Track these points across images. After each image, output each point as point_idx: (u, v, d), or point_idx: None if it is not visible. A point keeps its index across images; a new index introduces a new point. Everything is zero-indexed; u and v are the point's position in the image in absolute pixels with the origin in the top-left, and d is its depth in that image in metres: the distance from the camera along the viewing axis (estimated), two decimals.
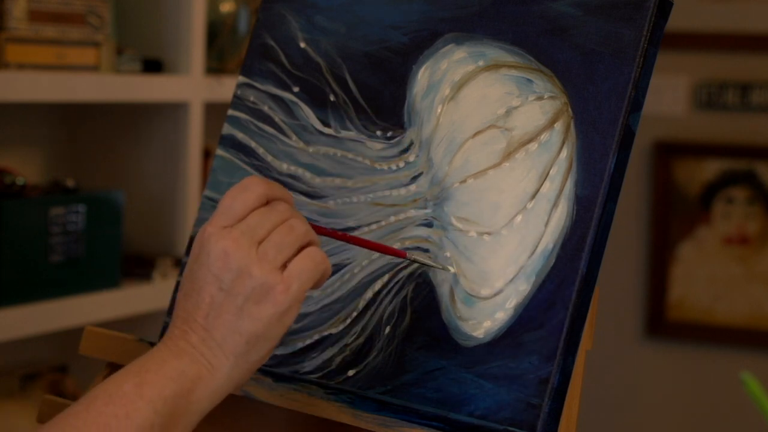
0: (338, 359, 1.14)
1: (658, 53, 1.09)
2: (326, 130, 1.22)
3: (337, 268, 1.18)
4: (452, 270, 1.11)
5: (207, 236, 1.02)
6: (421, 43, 1.18)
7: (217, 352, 1.01)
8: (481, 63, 1.15)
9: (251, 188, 1.03)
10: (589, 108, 1.09)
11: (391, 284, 1.14)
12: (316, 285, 1.03)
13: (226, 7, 2.25)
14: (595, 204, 1.07)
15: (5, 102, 1.92)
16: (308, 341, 1.17)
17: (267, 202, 1.03)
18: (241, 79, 1.27)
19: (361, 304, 1.15)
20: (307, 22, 1.25)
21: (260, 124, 1.25)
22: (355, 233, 1.17)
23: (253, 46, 1.27)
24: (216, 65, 2.23)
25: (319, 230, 1.08)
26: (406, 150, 1.18)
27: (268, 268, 1.01)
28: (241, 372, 1.02)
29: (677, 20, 3.06)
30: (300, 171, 1.22)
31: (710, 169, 3.24)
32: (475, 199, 1.12)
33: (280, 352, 1.17)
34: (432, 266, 1.12)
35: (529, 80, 1.13)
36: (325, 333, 1.16)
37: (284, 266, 1.02)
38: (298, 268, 1.02)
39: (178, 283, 1.13)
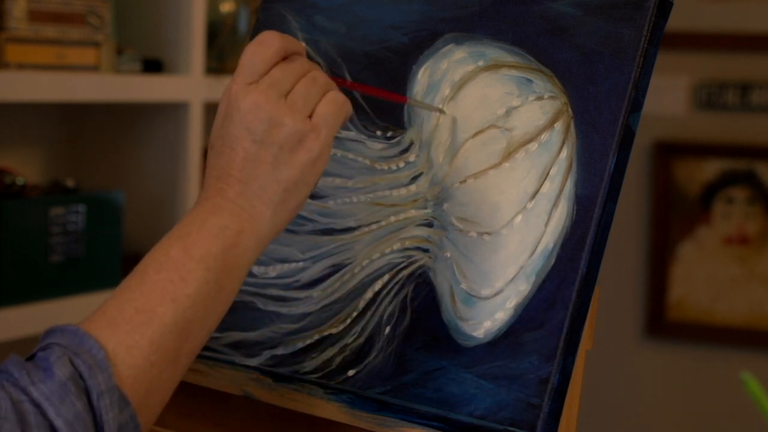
0: (338, 359, 1.14)
1: (658, 53, 1.09)
2: None
3: (337, 268, 1.18)
4: (445, 113, 1.15)
5: (234, 94, 1.05)
6: (421, 43, 1.18)
7: (255, 203, 1.03)
8: (481, 63, 1.15)
9: (269, 42, 1.05)
10: (589, 108, 1.09)
11: (391, 284, 1.14)
12: (341, 125, 1.07)
13: (226, 7, 2.25)
14: (595, 204, 1.07)
15: (5, 102, 1.92)
16: (308, 341, 1.17)
17: (285, 56, 1.06)
18: None
19: (361, 304, 1.15)
20: (307, 22, 1.25)
21: None
22: (355, 233, 1.18)
23: None
24: (216, 65, 2.23)
25: (333, 79, 1.11)
26: (406, 150, 1.18)
27: (298, 116, 1.04)
28: (281, 219, 1.05)
29: (677, 20, 3.07)
30: None
31: (710, 169, 3.24)
32: (475, 199, 1.12)
33: (280, 352, 1.17)
34: (429, 108, 1.15)
35: (529, 80, 1.13)
36: (325, 333, 1.16)
37: (310, 115, 1.05)
38: (325, 112, 1.05)
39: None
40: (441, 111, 1.15)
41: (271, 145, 1.03)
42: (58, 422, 0.89)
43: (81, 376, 0.92)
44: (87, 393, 0.92)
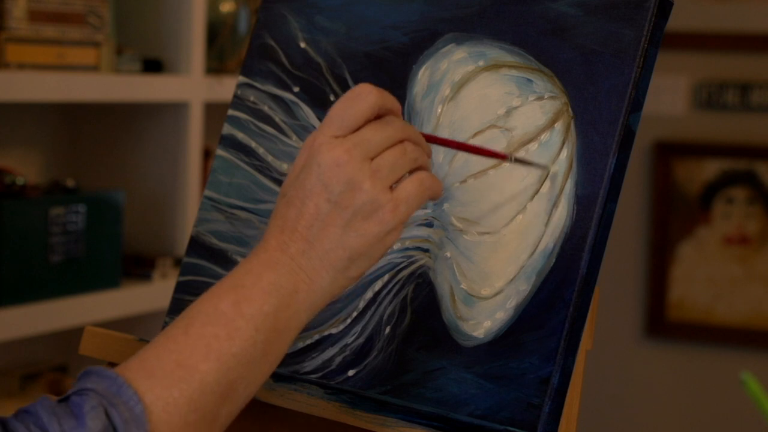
0: (338, 359, 1.14)
1: (658, 53, 1.09)
2: None
3: None
4: (549, 168, 1.09)
5: (318, 145, 0.99)
6: (421, 43, 1.18)
7: (316, 265, 0.98)
8: (481, 63, 1.15)
9: (365, 97, 1.00)
10: (589, 108, 1.09)
11: (391, 284, 1.14)
12: (421, 205, 1.03)
13: (226, 7, 2.25)
14: (595, 204, 1.07)
15: (5, 102, 1.92)
16: (308, 341, 1.17)
17: (379, 114, 1.01)
18: (241, 79, 1.27)
19: (361, 304, 1.15)
20: (308, 22, 1.25)
21: (260, 124, 1.25)
22: None
23: (253, 46, 1.27)
24: (216, 65, 2.23)
25: (430, 138, 1.06)
26: None
27: (379, 185, 0.98)
28: (338, 286, 1.00)
29: (677, 20, 3.07)
30: None
31: (710, 169, 3.24)
32: (475, 199, 1.12)
33: None
34: (532, 165, 1.09)
35: (529, 80, 1.13)
36: (325, 333, 1.16)
37: (391, 187, 1.00)
38: (408, 191, 1.00)
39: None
40: (545, 168, 1.09)
41: (345, 208, 0.98)
42: None
43: (115, 430, 0.88)
44: None
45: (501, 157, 1.09)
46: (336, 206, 0.98)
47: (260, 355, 0.95)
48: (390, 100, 1.02)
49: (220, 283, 0.98)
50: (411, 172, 1.02)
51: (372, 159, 0.99)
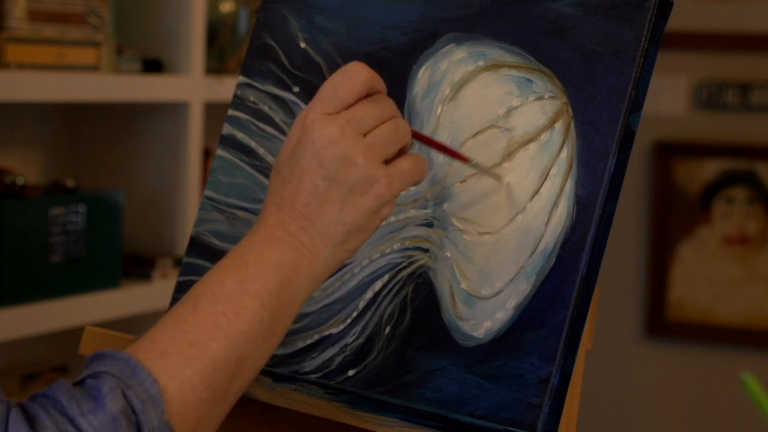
0: (338, 359, 1.14)
1: (658, 53, 1.09)
2: None
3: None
4: (503, 179, 1.11)
5: (310, 122, 1.00)
6: (421, 43, 1.18)
7: (317, 241, 1.00)
8: (481, 63, 1.15)
9: (355, 75, 1.01)
10: (589, 108, 1.09)
11: (391, 284, 1.14)
12: (411, 185, 1.05)
13: (226, 7, 2.25)
14: (595, 204, 1.07)
15: (5, 102, 1.92)
16: (308, 341, 1.17)
17: (369, 93, 1.02)
18: (241, 79, 1.27)
19: (361, 304, 1.15)
20: (308, 22, 1.25)
21: (260, 124, 1.25)
22: None
23: (253, 46, 1.27)
24: (216, 65, 2.23)
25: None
26: None
27: (374, 160, 1.00)
28: (337, 260, 1.02)
29: (677, 20, 3.07)
30: None
31: (710, 169, 3.24)
32: (475, 199, 1.12)
33: (280, 352, 1.17)
34: (489, 174, 1.11)
35: (529, 80, 1.13)
36: (325, 333, 1.16)
37: (385, 162, 1.02)
38: (403, 168, 1.02)
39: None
40: (498, 178, 1.11)
41: (342, 184, 0.99)
42: None
43: (133, 410, 0.90)
44: (138, 428, 0.89)
45: (462, 159, 1.11)
46: (332, 183, 1.00)
47: (267, 331, 0.97)
48: (379, 80, 1.03)
49: (223, 261, 0.99)
50: (402, 149, 1.04)
51: (365, 135, 1.01)
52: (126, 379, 0.91)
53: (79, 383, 0.92)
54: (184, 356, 0.93)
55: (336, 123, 1.00)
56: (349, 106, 1.01)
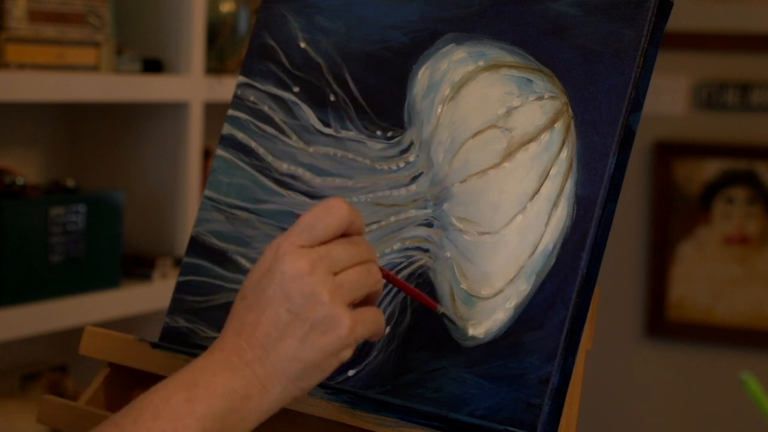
0: None
1: (658, 53, 1.09)
2: (326, 131, 1.22)
3: None
4: (441, 311, 1.11)
5: (282, 253, 0.99)
6: (421, 43, 1.18)
7: (270, 373, 0.98)
8: (481, 63, 1.15)
9: (336, 211, 1.00)
10: (589, 108, 1.09)
11: (392, 284, 1.14)
12: (371, 335, 1.02)
13: (226, 7, 2.25)
14: (595, 204, 1.07)
15: (5, 102, 1.92)
16: None
17: (347, 232, 1.01)
18: (241, 79, 1.27)
19: None
20: (308, 22, 1.25)
21: (260, 124, 1.25)
22: None
23: (253, 46, 1.27)
24: (216, 65, 2.23)
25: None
26: (406, 150, 1.18)
27: (339, 301, 0.98)
28: (289, 396, 1.00)
29: (677, 20, 3.07)
30: (300, 171, 1.22)
31: (710, 169, 3.24)
32: (475, 199, 1.12)
33: None
34: (452, 321, 1.11)
35: (529, 80, 1.13)
36: None
37: (350, 306, 1.00)
38: (367, 317, 1.01)
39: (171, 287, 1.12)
40: (459, 324, 1.11)
41: (305, 320, 0.98)
42: None
43: None
44: None
45: (431, 305, 1.10)
46: (295, 317, 0.98)
47: None
48: (360, 221, 1.02)
49: (174, 377, 0.98)
50: (370, 296, 1.02)
51: (335, 274, 0.99)
52: None
53: None
54: None
55: (308, 257, 0.98)
56: (326, 242, 1.00)
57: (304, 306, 0.98)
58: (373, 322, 1.01)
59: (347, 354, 1.00)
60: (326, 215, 1.00)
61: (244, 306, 1.00)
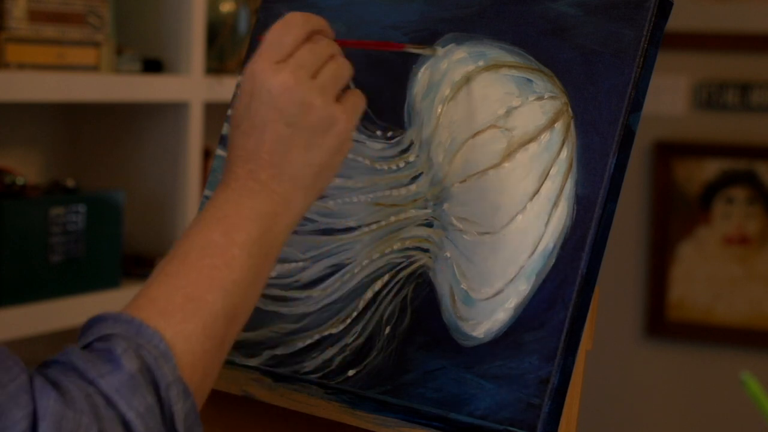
0: (338, 359, 1.14)
1: (658, 53, 1.09)
2: None
3: (337, 268, 1.18)
4: (438, 52, 1.15)
5: (260, 72, 1.03)
6: (421, 43, 1.18)
7: (288, 187, 1.02)
8: (481, 63, 1.15)
9: (296, 23, 1.05)
10: (589, 108, 1.09)
11: (391, 284, 1.14)
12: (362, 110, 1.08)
13: (226, 7, 2.25)
14: (595, 204, 1.07)
15: (5, 102, 1.92)
16: (308, 341, 1.17)
17: (310, 37, 1.05)
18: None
19: (361, 304, 1.15)
20: None
21: None
22: (355, 233, 1.18)
23: (253, 46, 1.27)
24: (216, 65, 2.23)
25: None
26: (406, 150, 1.18)
27: (329, 99, 1.03)
28: (310, 202, 1.04)
29: (677, 20, 3.07)
30: None
31: (710, 169, 3.24)
32: (475, 200, 1.12)
33: (280, 352, 1.17)
34: (421, 53, 1.15)
35: (529, 80, 1.13)
36: (325, 333, 1.16)
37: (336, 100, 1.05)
38: (353, 102, 1.06)
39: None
40: (434, 52, 1.15)
41: (304, 128, 1.02)
42: (130, 415, 0.89)
43: (148, 368, 0.91)
44: (155, 385, 0.91)
45: (396, 47, 1.16)
46: (295, 128, 1.02)
47: (254, 279, 1.00)
48: (317, 22, 1.07)
49: (202, 217, 1.01)
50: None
51: (314, 77, 1.04)
52: (135, 339, 0.92)
53: (87, 347, 0.93)
54: (184, 312, 0.95)
55: (287, 70, 1.02)
56: (293, 53, 1.04)
57: (299, 115, 1.02)
58: (359, 104, 1.07)
59: (348, 146, 1.05)
60: (288, 27, 1.04)
61: (241, 133, 1.03)
